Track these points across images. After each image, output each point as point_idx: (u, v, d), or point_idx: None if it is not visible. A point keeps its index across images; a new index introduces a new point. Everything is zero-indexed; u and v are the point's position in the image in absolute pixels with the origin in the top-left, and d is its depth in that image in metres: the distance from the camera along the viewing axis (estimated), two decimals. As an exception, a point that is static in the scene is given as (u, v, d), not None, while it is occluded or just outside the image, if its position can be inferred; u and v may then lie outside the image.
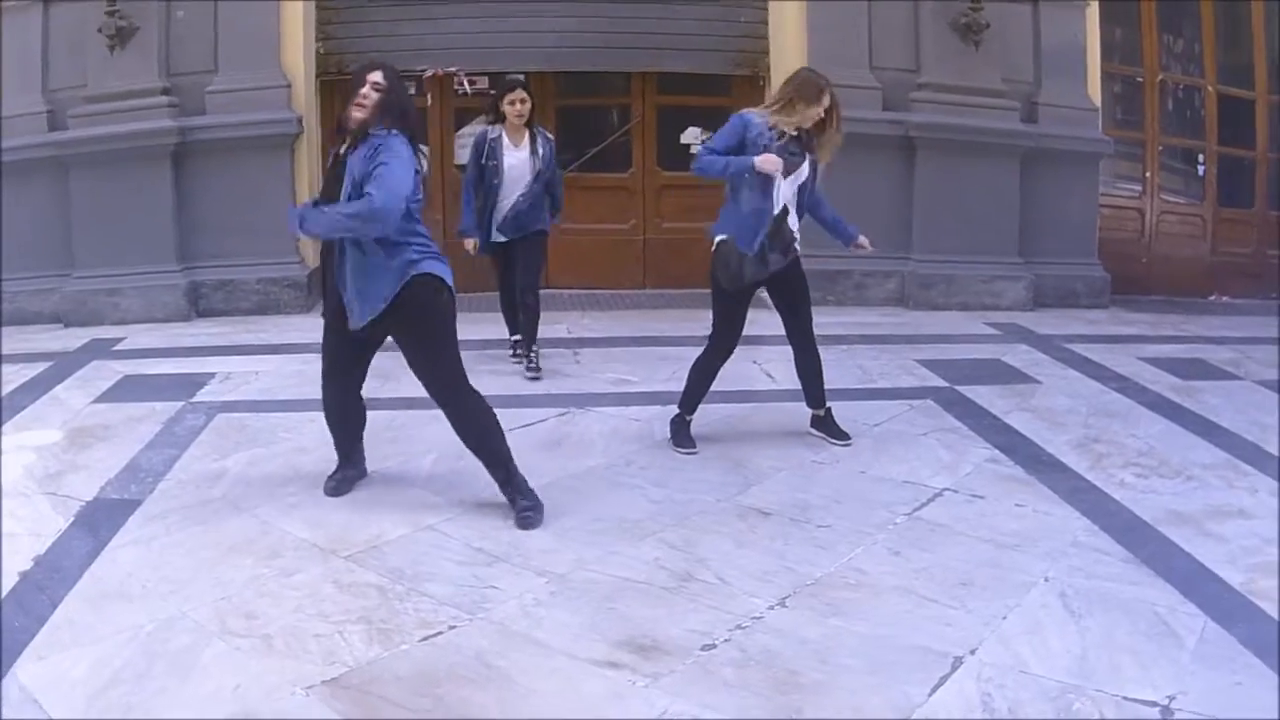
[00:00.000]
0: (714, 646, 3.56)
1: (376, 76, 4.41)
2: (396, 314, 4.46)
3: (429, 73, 9.12)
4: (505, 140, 6.69)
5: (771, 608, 3.83)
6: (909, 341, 7.86)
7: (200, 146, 8.53)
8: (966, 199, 9.04)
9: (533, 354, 6.78)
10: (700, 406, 5.63)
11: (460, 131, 9.31)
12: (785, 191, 5.27)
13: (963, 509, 4.78)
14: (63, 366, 7.14)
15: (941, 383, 6.74)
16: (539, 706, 3.24)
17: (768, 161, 5.08)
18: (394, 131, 4.36)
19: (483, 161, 6.69)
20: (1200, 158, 10.66)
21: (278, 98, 8.66)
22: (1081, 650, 3.57)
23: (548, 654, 3.52)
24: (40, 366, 7.12)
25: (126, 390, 6.59)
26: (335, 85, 9.26)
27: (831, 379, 6.01)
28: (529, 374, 6.70)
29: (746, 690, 3.31)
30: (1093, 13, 9.51)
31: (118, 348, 7.66)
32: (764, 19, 9.42)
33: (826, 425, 5.68)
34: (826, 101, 5.26)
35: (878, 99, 9.11)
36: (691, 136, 9.59)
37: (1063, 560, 4.25)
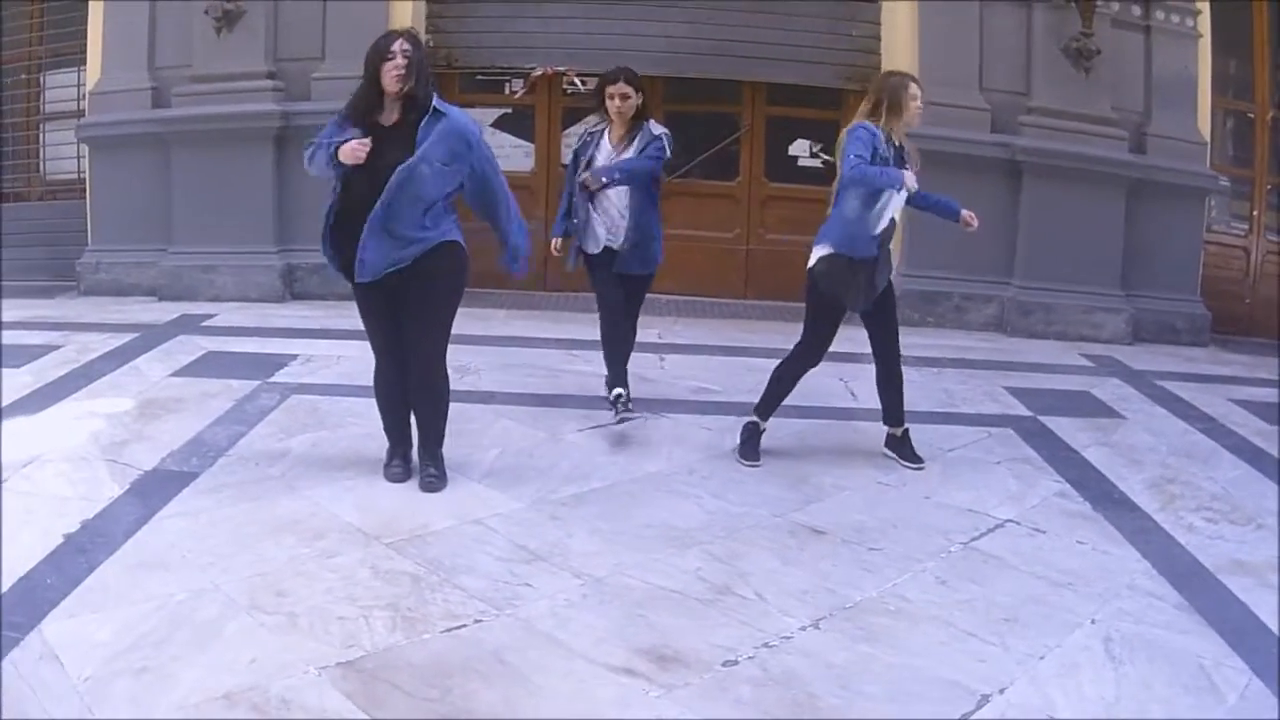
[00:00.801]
0: (736, 663, 3.49)
1: (404, 44, 4.48)
2: (421, 280, 4.64)
3: (538, 71, 9.16)
4: (606, 136, 5.83)
5: (804, 628, 3.74)
6: (1000, 368, 7.67)
7: (303, 132, 8.53)
8: (1070, 227, 8.82)
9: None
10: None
11: (567, 131, 9.30)
12: (897, 202, 5.23)
13: (1021, 542, 4.63)
14: (149, 338, 7.29)
15: (1025, 412, 6.55)
16: (544, 708, 3.20)
17: (910, 177, 5.12)
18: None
19: (580, 158, 5.91)
20: (1310, 199, 10.22)
21: (383, 88, 8.72)
22: (1115, 698, 3.44)
23: (566, 656, 3.48)
24: (127, 337, 7.29)
25: (207, 366, 6.70)
26: (443, 78, 9.33)
27: (913, 400, 5.94)
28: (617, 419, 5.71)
29: (758, 710, 3.23)
30: (1205, 45, 9.22)
31: (206, 324, 7.82)
32: (876, 34, 9.29)
33: (901, 446, 5.56)
34: (915, 90, 5.34)
35: (986, 120, 8.94)
36: (800, 149, 9.52)
37: (1114, 603, 4.10)
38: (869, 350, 5.62)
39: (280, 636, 3.53)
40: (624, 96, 5.70)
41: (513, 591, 3.90)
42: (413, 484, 4.88)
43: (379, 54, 4.48)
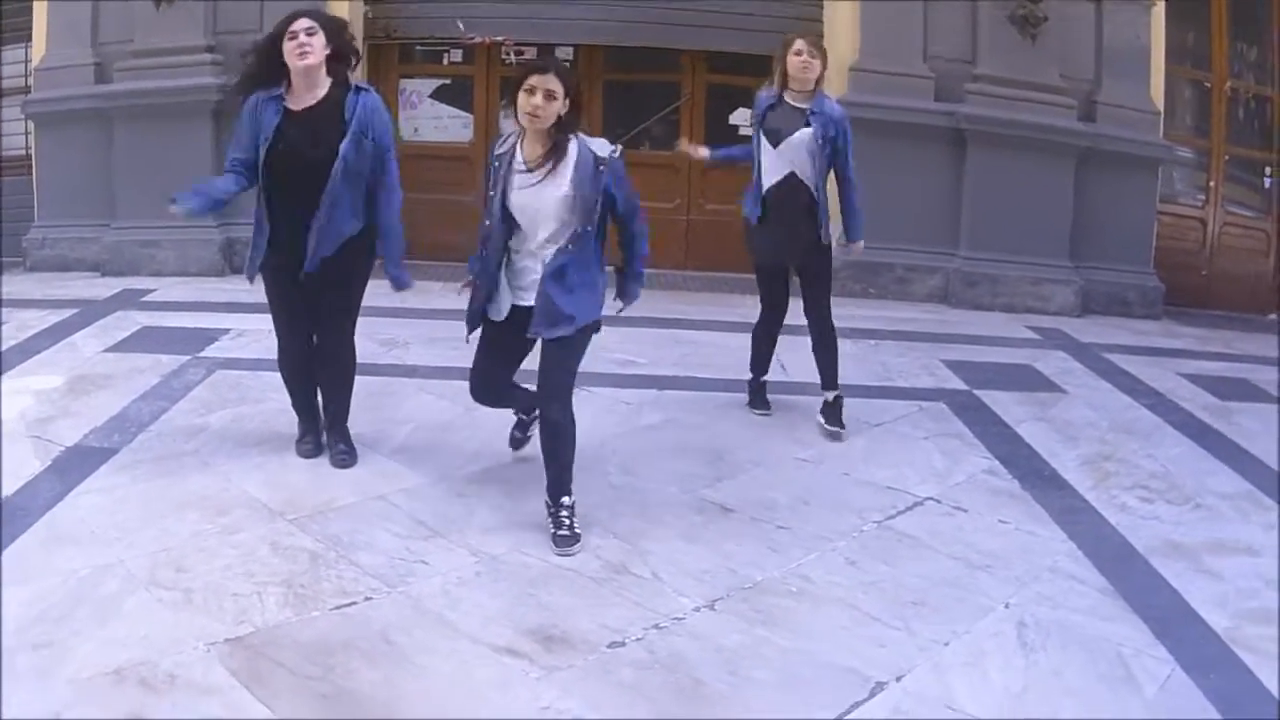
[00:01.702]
0: (623, 645, 3.45)
1: (308, 22, 4.42)
2: (342, 259, 4.59)
3: (475, 39, 9.05)
4: (519, 153, 4.15)
5: (698, 609, 3.70)
6: (940, 341, 7.58)
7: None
8: (1017, 197, 8.71)
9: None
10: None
11: (504, 102, 9.21)
12: (773, 165, 5.34)
13: (940, 521, 4.57)
14: (87, 314, 7.24)
15: (961, 385, 6.47)
16: (424, 688, 3.18)
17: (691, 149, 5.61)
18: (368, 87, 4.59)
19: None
20: (1268, 170, 10.15)
21: (320, 60, 8.62)
22: (1022, 688, 3.37)
23: (452, 635, 3.46)
24: (66, 313, 7.23)
25: (140, 341, 6.66)
26: (382, 49, 9.28)
27: (847, 374, 5.90)
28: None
29: (639, 694, 3.19)
30: (1158, 13, 9.10)
31: (146, 299, 7.75)
32: (818, 1, 9.14)
33: (828, 412, 5.56)
34: (797, 46, 5.31)
35: (930, 89, 8.84)
36: (740, 118, 9.37)
37: (1032, 586, 4.02)
38: (799, 321, 5.63)
39: (175, 613, 3.55)
40: (548, 95, 3.95)
41: (407, 569, 3.87)
42: (324, 460, 4.85)
43: (278, 34, 4.42)
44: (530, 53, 8.92)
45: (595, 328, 4.30)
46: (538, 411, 4.40)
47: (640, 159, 9.18)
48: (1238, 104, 10.19)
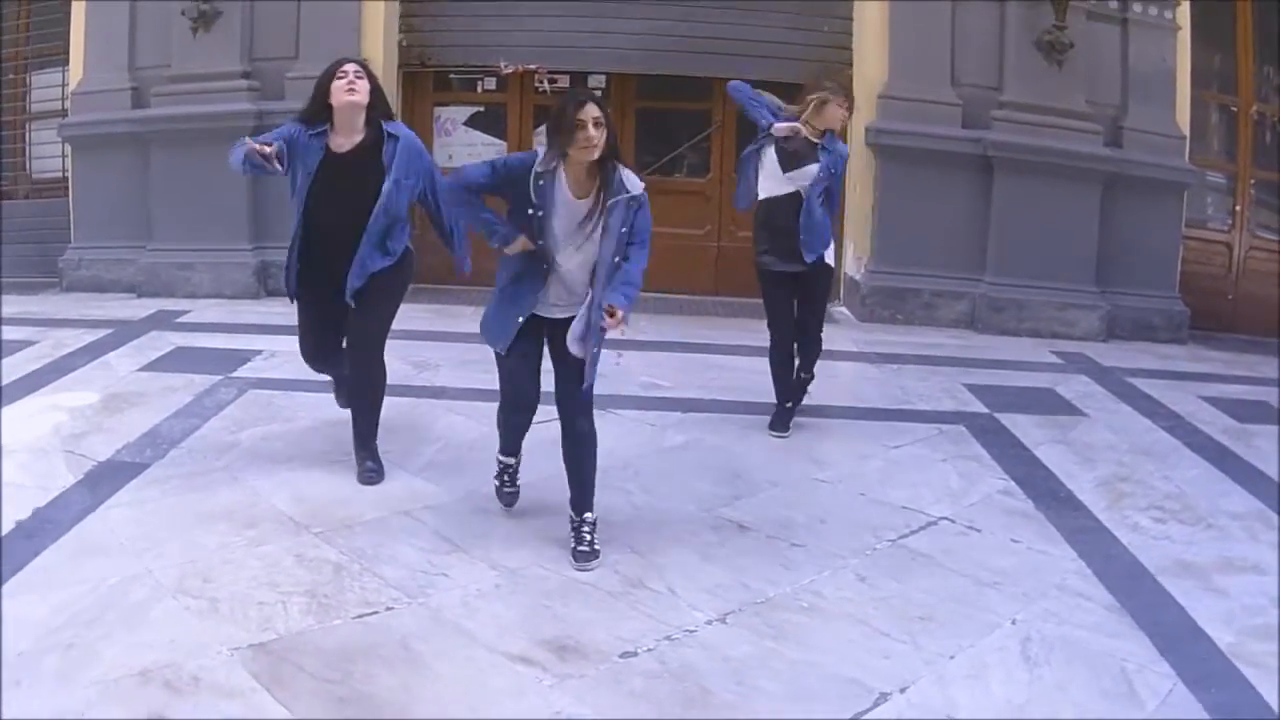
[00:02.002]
0: (635, 655, 3.53)
1: (357, 65, 4.74)
2: (373, 287, 4.81)
3: (509, 69, 9.21)
4: (563, 183, 4.16)
5: (710, 622, 3.78)
6: (964, 365, 7.63)
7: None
8: (1044, 222, 8.79)
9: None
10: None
11: (537, 130, 9.36)
12: (785, 181, 5.68)
13: (952, 540, 4.63)
14: (122, 334, 7.41)
15: (981, 409, 6.53)
16: (440, 693, 3.27)
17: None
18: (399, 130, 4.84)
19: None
20: (1294, 194, 10.18)
21: (357, 87, 8.79)
22: (1024, 701, 3.42)
23: (469, 644, 3.55)
24: (101, 333, 7.41)
25: (174, 361, 6.80)
26: (416, 76, 9.46)
27: (869, 396, 6.08)
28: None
29: (648, 703, 3.27)
30: (1184, 37, 9.18)
31: (180, 320, 7.92)
32: (848, 29, 9.32)
33: (779, 414, 5.92)
34: (841, 100, 5.72)
35: (958, 115, 8.93)
36: (770, 143, 9.53)
37: (1039, 603, 4.07)
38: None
39: (201, 620, 3.66)
40: (596, 124, 4.00)
41: (428, 580, 3.97)
42: (350, 473, 4.98)
43: (329, 74, 4.71)
44: (562, 81, 9.09)
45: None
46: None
47: (672, 186, 9.45)
48: (1264, 128, 10.20)
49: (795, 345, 5.90)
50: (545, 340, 4.30)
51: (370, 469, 4.94)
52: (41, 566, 3.98)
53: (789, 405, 5.94)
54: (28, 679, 3.24)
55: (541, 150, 4.14)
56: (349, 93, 4.63)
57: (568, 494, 4.34)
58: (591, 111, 4.00)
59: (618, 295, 4.08)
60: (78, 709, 3.11)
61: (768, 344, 5.91)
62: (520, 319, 4.21)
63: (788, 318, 5.87)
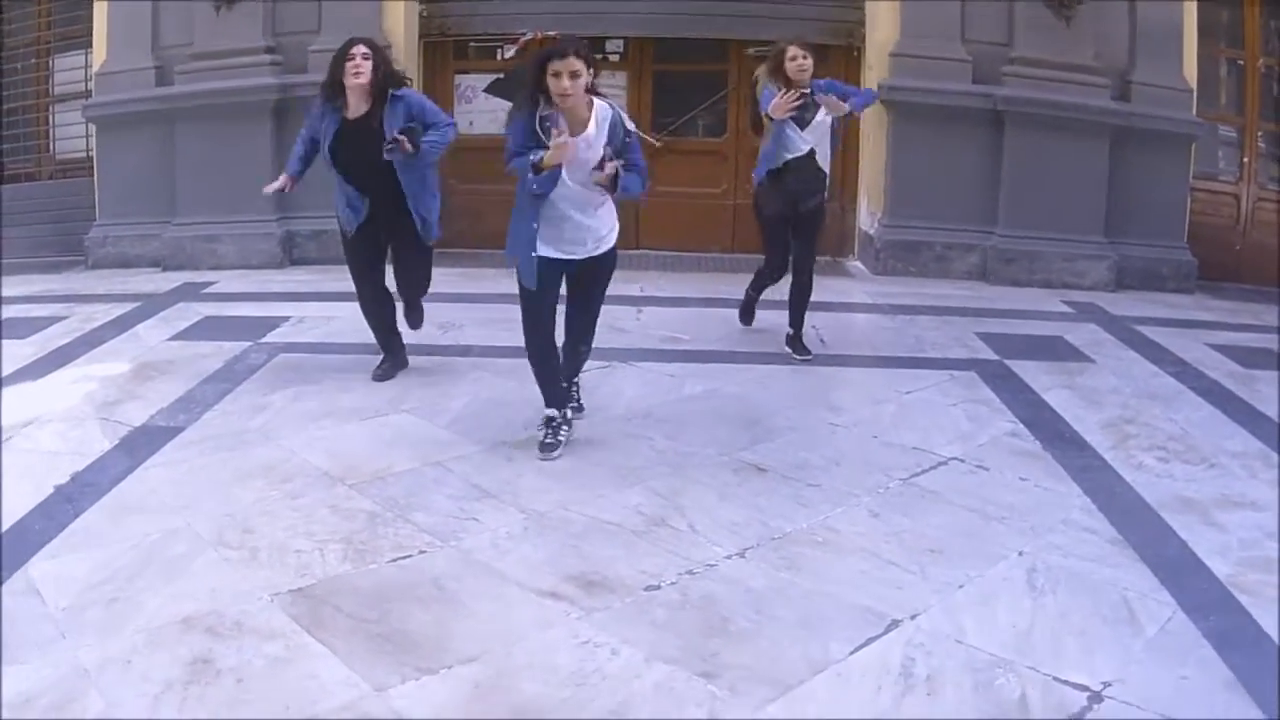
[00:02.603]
0: (658, 588, 3.70)
1: (363, 48, 5.53)
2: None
3: (528, 35, 9.30)
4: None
5: (729, 557, 3.95)
6: (975, 315, 7.77)
7: (301, 103, 8.83)
8: (1053, 176, 8.88)
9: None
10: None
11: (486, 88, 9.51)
12: (803, 139, 6.27)
13: (962, 479, 4.78)
14: (150, 306, 7.61)
15: (992, 356, 6.67)
16: (472, 628, 3.44)
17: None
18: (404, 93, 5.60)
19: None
20: (1302, 145, 10.20)
21: (379, 58, 8.90)
22: (1029, 627, 3.56)
23: (500, 582, 3.73)
24: (129, 306, 7.62)
25: (203, 330, 7.00)
26: (437, 46, 9.58)
27: (883, 346, 6.30)
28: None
29: (671, 631, 3.44)
30: (1191, -9, 9.19)
31: (207, 291, 8.11)
32: (862, -11, 9.38)
33: (793, 342, 6.46)
34: (792, 52, 6.22)
35: (968, 71, 9.01)
36: (782, 107, 9.64)
37: (1045, 536, 4.21)
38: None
39: (241, 569, 3.83)
40: (573, 75, 4.46)
41: (459, 525, 4.16)
42: (383, 428, 5.20)
43: (340, 57, 5.55)
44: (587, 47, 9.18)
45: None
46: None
47: (689, 146, 9.60)
48: (1271, 80, 10.21)
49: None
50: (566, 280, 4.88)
51: (414, 319, 6.18)
52: (82, 527, 4.15)
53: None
54: (71, 631, 3.40)
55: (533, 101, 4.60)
56: (355, 76, 5.48)
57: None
58: (569, 65, 4.44)
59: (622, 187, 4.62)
60: (124, 656, 3.27)
61: (785, 299, 6.47)
62: (534, 255, 4.69)
63: (787, 252, 6.57)
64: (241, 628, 3.43)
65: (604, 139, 4.59)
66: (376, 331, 6.04)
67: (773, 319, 6.77)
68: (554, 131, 4.50)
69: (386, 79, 5.57)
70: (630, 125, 4.67)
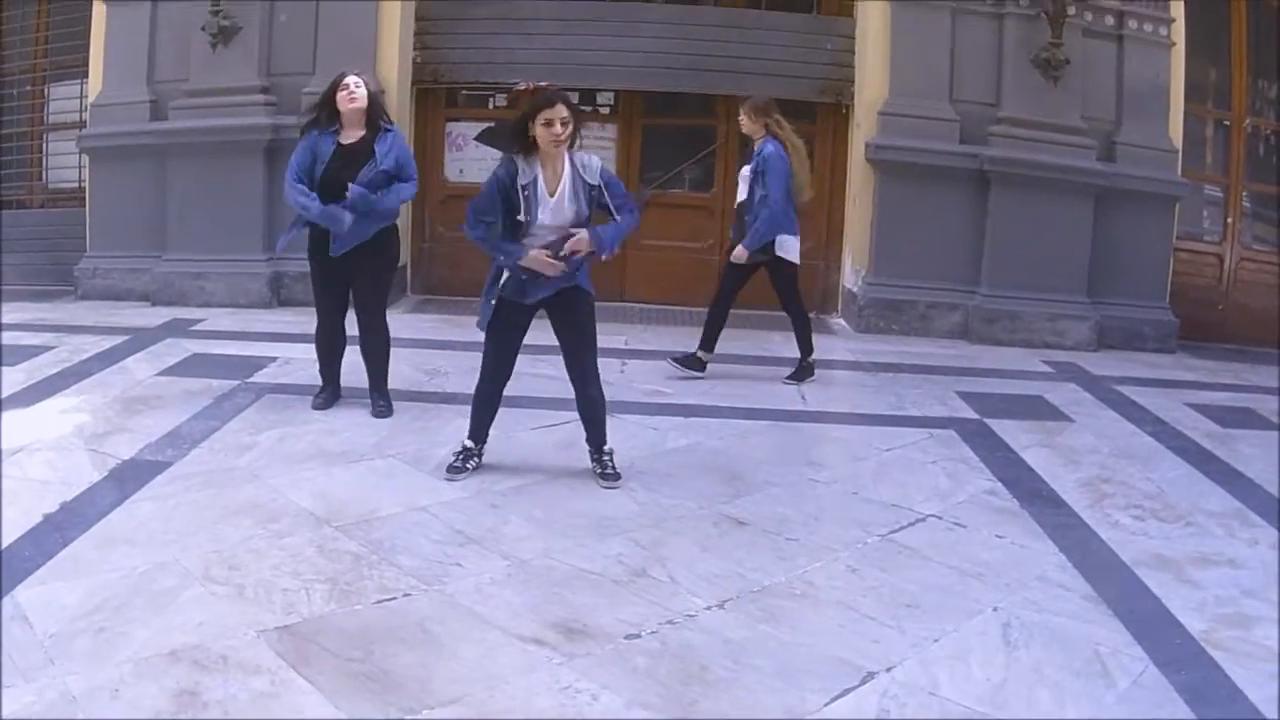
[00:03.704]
0: (638, 637, 3.75)
1: (356, 78, 5.96)
2: (371, 255, 6.02)
3: (521, 85, 9.41)
4: (541, 183, 5.02)
5: (709, 608, 4.00)
6: (956, 374, 7.88)
7: (293, 145, 8.94)
8: (1037, 235, 9.03)
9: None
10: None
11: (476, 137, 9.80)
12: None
13: (940, 535, 4.85)
14: (139, 340, 7.67)
15: (972, 415, 6.77)
16: (456, 670, 3.48)
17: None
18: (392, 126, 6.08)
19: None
20: (1287, 205, 10.39)
21: (372, 102, 8.99)
22: (1003, 680, 3.62)
23: (483, 627, 3.77)
24: (118, 339, 7.68)
25: (191, 367, 7.06)
26: (429, 93, 9.73)
27: (864, 403, 6.39)
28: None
29: (651, 678, 3.49)
30: (1178, 52, 9.40)
31: (195, 328, 8.17)
32: (850, 48, 9.58)
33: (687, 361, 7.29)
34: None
35: (955, 131, 9.18)
36: (770, 160, 9.79)
37: (1020, 593, 4.29)
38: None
39: (228, 604, 3.88)
40: (563, 123, 4.81)
41: (443, 570, 4.21)
42: (367, 472, 5.25)
43: (334, 86, 5.96)
44: (572, 97, 9.31)
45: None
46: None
47: (675, 200, 9.76)
48: (1258, 140, 10.44)
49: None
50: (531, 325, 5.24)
51: (382, 405, 6.13)
52: (71, 556, 4.19)
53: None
54: (60, 659, 3.44)
55: (514, 162, 4.90)
56: (350, 101, 5.88)
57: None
58: (559, 113, 4.80)
59: (599, 239, 4.99)
60: (111, 684, 3.31)
61: (770, 354, 6.96)
62: (493, 301, 5.03)
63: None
64: (228, 662, 3.47)
65: (580, 192, 4.97)
66: (324, 361, 6.31)
67: (752, 372, 6.83)
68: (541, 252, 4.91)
69: (376, 109, 6.00)
70: (596, 179, 4.98)
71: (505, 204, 4.89)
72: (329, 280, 6.12)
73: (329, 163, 5.90)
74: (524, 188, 4.84)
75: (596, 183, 4.96)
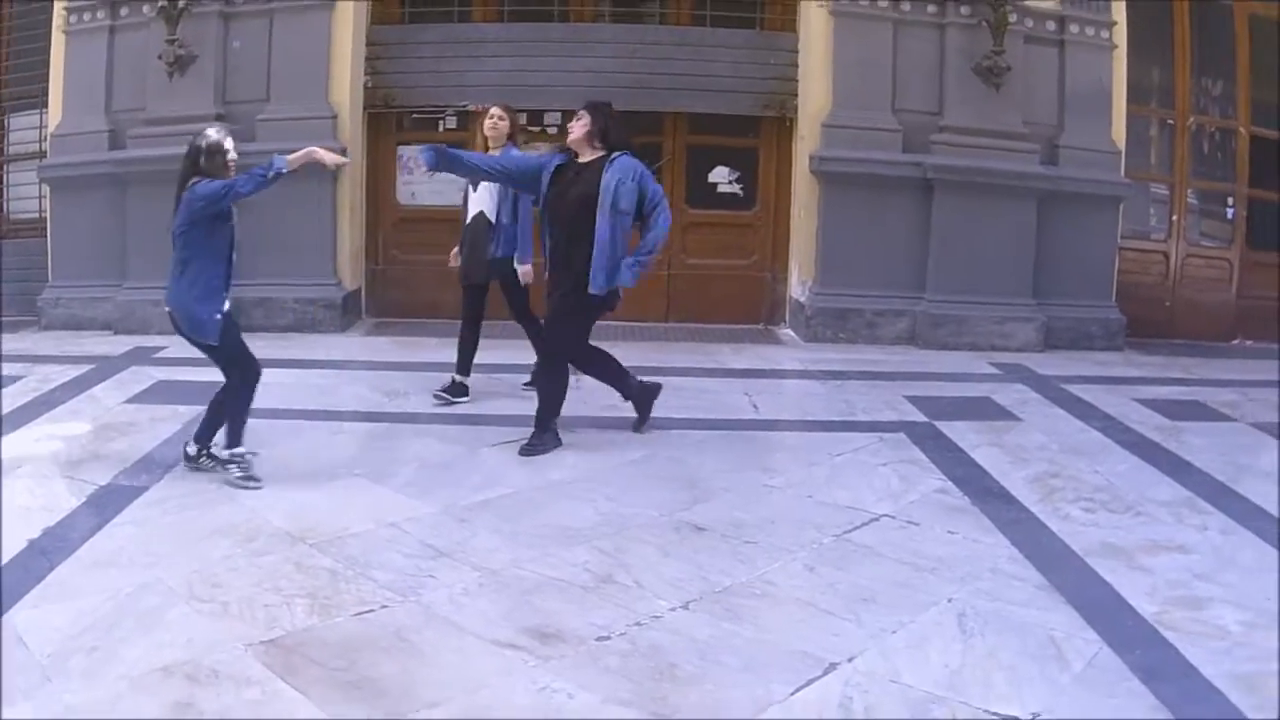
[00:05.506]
0: (608, 639, 3.92)
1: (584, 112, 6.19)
2: None
3: (471, 108, 9.61)
4: None
5: (674, 609, 4.18)
6: (904, 379, 8.11)
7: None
8: (982, 240, 9.28)
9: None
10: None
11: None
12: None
13: (893, 534, 5.05)
14: (104, 369, 7.79)
15: (921, 418, 6.98)
16: (437, 676, 3.64)
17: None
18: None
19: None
20: (1230, 200, 10.72)
21: (324, 128, 9.11)
22: (960, 665, 3.81)
23: (459, 634, 3.94)
24: (84, 368, 7.80)
25: (157, 393, 7.20)
26: (381, 117, 9.86)
27: (814, 411, 6.58)
28: None
29: (623, 677, 3.66)
30: (1119, 55, 9.67)
31: (158, 355, 8.27)
32: (793, 62, 9.81)
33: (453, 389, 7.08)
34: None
35: (899, 141, 9.42)
36: (719, 176, 10.05)
37: (973, 584, 4.48)
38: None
39: (213, 621, 4.02)
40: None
41: (418, 582, 4.36)
42: (339, 492, 5.41)
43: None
44: (520, 118, 9.48)
45: None
46: None
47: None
48: (1202, 138, 10.73)
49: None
50: None
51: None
52: (58, 580, 4.32)
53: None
54: (57, 677, 3.57)
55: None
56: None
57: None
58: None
59: None
60: (108, 701, 3.44)
61: (720, 366, 7.12)
62: None
63: None
64: (219, 675, 3.60)
65: None
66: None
67: (698, 384, 7.03)
68: None
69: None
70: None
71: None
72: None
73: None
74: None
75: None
